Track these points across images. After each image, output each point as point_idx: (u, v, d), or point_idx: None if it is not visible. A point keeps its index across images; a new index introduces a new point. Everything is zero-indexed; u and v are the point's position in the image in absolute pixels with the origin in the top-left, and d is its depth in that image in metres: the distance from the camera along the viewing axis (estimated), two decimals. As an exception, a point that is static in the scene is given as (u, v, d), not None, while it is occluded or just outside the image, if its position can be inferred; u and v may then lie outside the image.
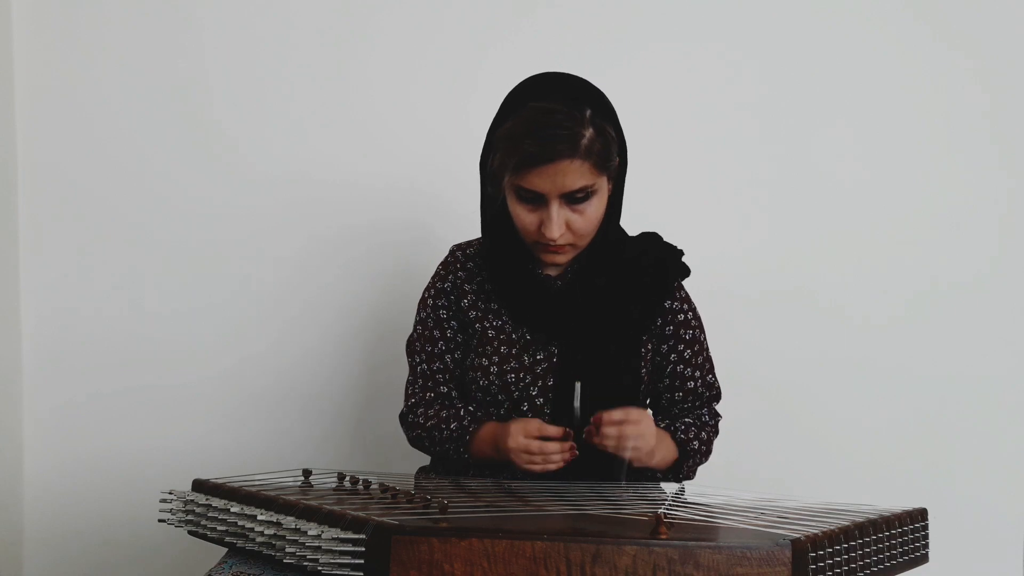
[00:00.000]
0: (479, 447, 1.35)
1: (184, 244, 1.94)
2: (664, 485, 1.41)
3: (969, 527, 1.97)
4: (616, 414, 1.25)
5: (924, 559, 1.08)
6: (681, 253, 1.42)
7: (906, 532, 1.04)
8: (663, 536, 0.88)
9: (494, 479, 1.37)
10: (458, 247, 1.48)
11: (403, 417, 1.46)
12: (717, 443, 1.47)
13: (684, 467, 1.40)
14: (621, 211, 1.39)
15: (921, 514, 1.08)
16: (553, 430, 1.27)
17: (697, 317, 1.44)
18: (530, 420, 1.30)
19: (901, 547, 1.03)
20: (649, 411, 1.31)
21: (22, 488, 1.95)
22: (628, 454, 1.26)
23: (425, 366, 1.44)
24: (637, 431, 1.25)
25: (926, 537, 1.08)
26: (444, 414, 1.40)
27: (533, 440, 1.26)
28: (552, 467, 1.27)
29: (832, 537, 0.92)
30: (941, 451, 2.00)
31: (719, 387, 1.47)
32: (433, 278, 1.47)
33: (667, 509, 1.08)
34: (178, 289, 1.94)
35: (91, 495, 1.95)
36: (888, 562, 1.00)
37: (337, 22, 1.93)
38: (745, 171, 1.99)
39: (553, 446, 1.26)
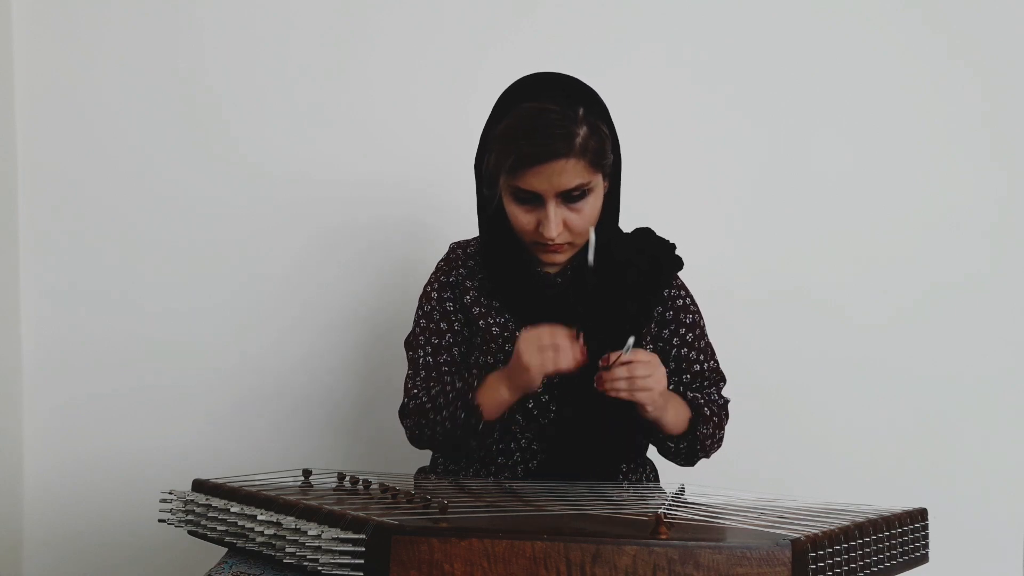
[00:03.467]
0: (487, 395, 1.29)
1: (184, 244, 1.94)
2: (664, 485, 1.41)
3: (969, 527, 1.97)
4: (625, 355, 1.22)
5: (924, 559, 1.08)
6: (674, 246, 1.41)
7: (906, 532, 1.04)
8: (663, 536, 0.88)
9: (495, 479, 1.37)
10: (458, 245, 1.48)
11: (403, 410, 1.41)
12: (719, 442, 1.47)
13: (698, 431, 1.35)
14: (619, 209, 1.38)
15: (921, 514, 1.08)
16: (563, 329, 1.23)
17: (695, 303, 1.44)
18: (542, 325, 1.25)
19: (901, 547, 1.02)
20: (655, 356, 1.26)
21: (22, 488, 1.95)
22: (641, 395, 1.22)
23: (430, 359, 1.40)
24: (647, 369, 1.22)
25: (926, 537, 1.08)
26: (445, 382, 1.37)
27: (544, 331, 1.22)
28: (564, 366, 1.22)
29: (832, 537, 0.92)
30: (941, 451, 2.00)
31: (723, 372, 1.47)
32: (435, 272, 1.46)
33: (667, 509, 1.08)
34: (178, 289, 1.94)
35: (91, 495, 1.95)
36: (888, 562, 1.00)
37: (337, 22, 1.93)
38: (744, 171, 1.99)
39: (565, 340, 1.22)
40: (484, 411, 1.30)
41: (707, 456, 1.41)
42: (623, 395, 1.22)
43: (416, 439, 1.41)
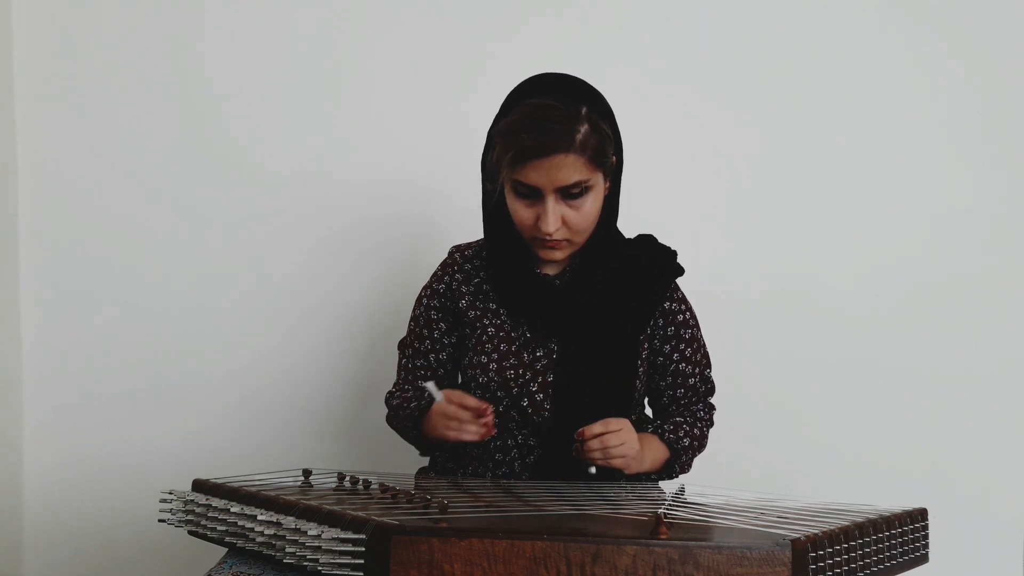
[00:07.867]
0: (431, 424, 1.37)
1: (183, 244, 1.93)
2: (664, 485, 1.41)
3: (969, 527, 1.97)
4: (595, 427, 1.28)
5: (924, 559, 1.08)
6: (675, 254, 1.43)
7: (906, 532, 1.04)
8: (663, 536, 0.88)
9: (493, 478, 1.37)
10: (457, 248, 1.50)
11: (386, 399, 1.52)
12: (719, 444, 1.48)
13: (676, 465, 1.43)
14: (618, 211, 1.40)
15: (921, 514, 1.08)
16: (472, 402, 1.29)
17: (694, 315, 1.46)
18: (456, 391, 1.34)
19: (901, 547, 1.03)
20: (626, 420, 1.32)
21: (22, 488, 1.95)
22: (616, 462, 1.28)
23: (409, 363, 1.49)
24: (618, 438, 1.28)
25: (926, 537, 1.09)
26: (409, 395, 1.45)
27: (451, 405, 1.30)
28: (467, 437, 1.29)
29: (832, 537, 0.92)
30: (941, 451, 2.00)
31: (714, 381, 1.50)
32: (431, 278, 1.49)
33: (667, 509, 1.08)
34: (177, 289, 1.94)
35: (91, 495, 1.95)
36: (888, 562, 1.00)
37: (338, 22, 1.93)
38: (743, 172, 1.98)
39: (467, 415, 1.29)
40: (430, 435, 1.38)
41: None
42: (600, 463, 1.29)
43: (389, 424, 1.53)
